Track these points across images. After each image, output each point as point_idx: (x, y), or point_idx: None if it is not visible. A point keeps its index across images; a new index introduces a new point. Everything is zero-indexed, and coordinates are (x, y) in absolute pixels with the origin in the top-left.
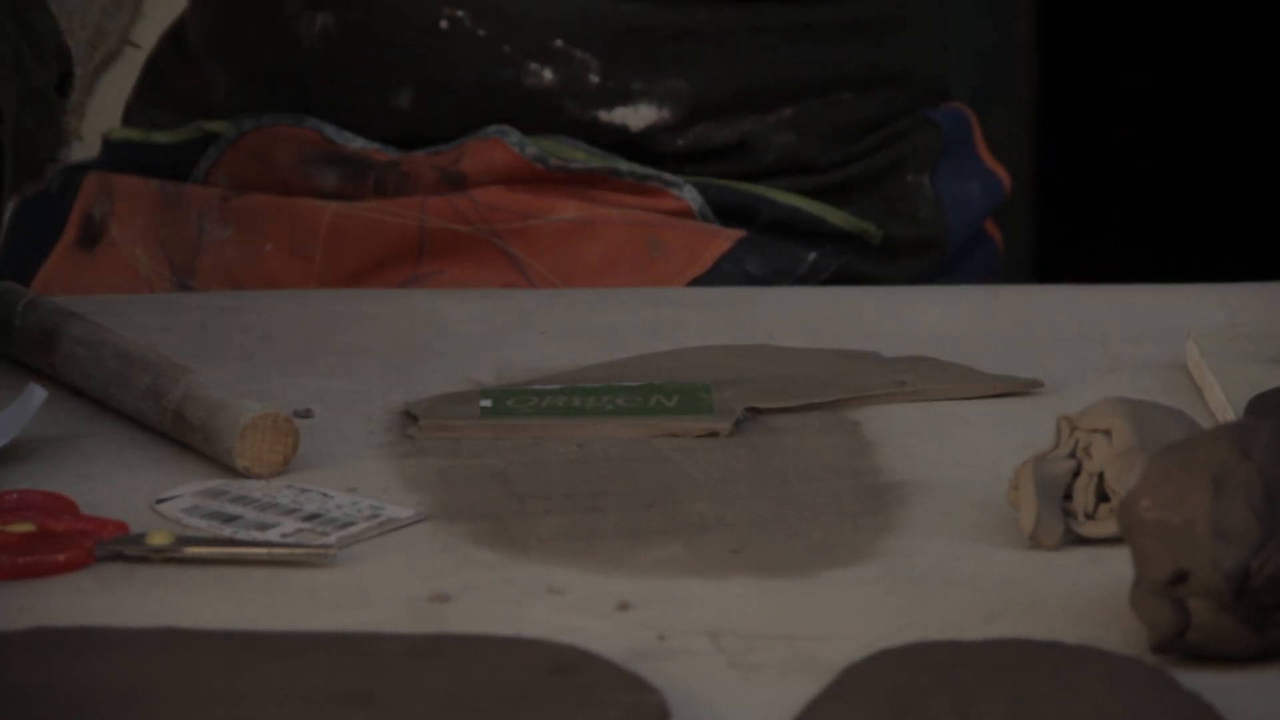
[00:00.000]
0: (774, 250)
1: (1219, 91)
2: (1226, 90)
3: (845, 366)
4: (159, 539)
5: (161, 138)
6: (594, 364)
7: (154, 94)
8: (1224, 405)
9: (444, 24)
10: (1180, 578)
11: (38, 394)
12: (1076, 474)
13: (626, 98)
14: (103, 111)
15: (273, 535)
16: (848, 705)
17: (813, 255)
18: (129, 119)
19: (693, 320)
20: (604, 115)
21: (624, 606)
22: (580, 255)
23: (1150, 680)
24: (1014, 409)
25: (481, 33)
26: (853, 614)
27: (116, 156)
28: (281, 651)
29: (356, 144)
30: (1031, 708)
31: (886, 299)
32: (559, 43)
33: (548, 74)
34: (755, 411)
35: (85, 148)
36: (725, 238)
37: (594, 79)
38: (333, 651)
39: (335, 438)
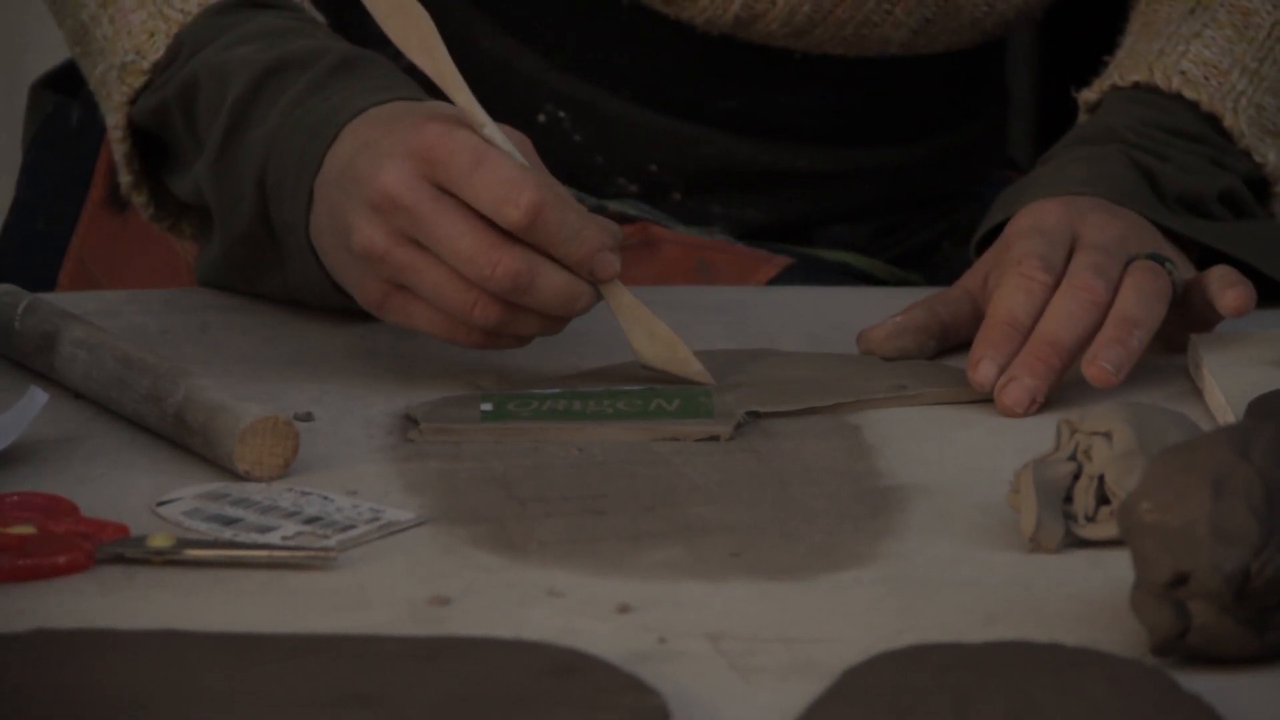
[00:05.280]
0: (823, 278)
1: None
2: None
3: (845, 370)
4: (159, 542)
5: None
6: (594, 367)
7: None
8: (1224, 408)
9: (542, 118)
10: (1180, 580)
11: (38, 397)
12: (1077, 477)
13: (704, 219)
14: None
15: (273, 538)
16: (848, 708)
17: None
18: None
19: (694, 323)
20: (680, 228)
21: (624, 609)
22: (631, 275)
23: (1151, 682)
24: None
25: (578, 138)
26: (853, 617)
27: None
28: (282, 654)
29: None
30: (1032, 710)
31: (887, 301)
32: (653, 167)
33: (633, 187)
34: (755, 415)
35: None
36: (774, 263)
37: (676, 196)
38: (333, 654)
39: (336, 441)
